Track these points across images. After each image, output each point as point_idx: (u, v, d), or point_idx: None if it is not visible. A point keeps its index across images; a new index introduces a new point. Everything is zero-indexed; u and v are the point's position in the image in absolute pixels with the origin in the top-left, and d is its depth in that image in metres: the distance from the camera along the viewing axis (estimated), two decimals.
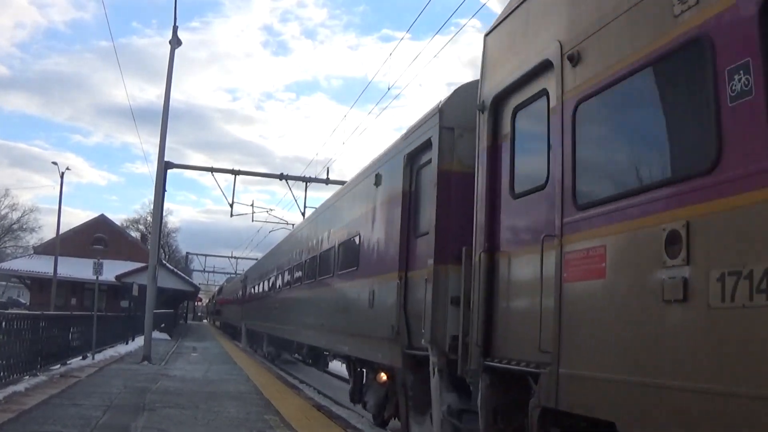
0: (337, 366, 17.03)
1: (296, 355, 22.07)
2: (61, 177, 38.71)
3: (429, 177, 7.36)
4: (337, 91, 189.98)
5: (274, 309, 21.18)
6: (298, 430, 8.79)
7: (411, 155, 8.13)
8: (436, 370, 6.66)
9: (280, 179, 24.99)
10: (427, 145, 7.48)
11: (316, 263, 14.32)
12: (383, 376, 9.02)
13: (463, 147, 6.81)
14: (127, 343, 25.76)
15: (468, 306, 5.98)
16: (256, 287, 28.14)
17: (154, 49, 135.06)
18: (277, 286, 21.52)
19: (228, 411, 10.10)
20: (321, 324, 12.91)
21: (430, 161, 7.37)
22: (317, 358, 17.91)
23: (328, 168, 26.22)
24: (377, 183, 9.39)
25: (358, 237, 10.39)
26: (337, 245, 12.15)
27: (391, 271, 8.31)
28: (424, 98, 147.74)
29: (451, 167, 6.89)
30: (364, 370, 10.44)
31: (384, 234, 8.99)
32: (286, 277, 19.38)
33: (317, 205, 20.17)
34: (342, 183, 19.92)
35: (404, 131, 8.74)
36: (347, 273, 11.03)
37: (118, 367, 17.33)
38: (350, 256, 11.02)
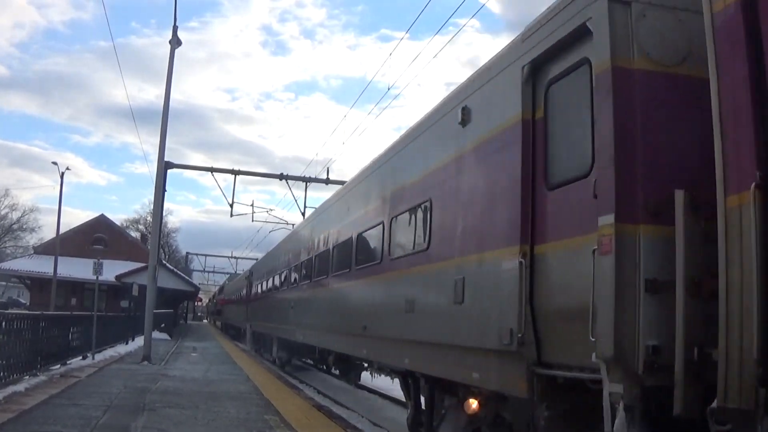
0: (367, 376, 13.84)
1: (308, 360, 19.90)
2: (61, 177, 37.61)
3: (579, 89, 4.76)
4: (337, 91, 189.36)
5: (290, 308, 17.23)
6: (298, 430, 8.55)
7: (537, 63, 5.31)
8: (621, 405, 3.95)
9: (280, 179, 24.13)
10: (573, 38, 4.82)
11: (352, 249, 10.70)
12: (472, 404, 6.24)
13: (647, 33, 4.35)
14: (127, 343, 24.90)
15: (696, 292, 3.75)
16: (266, 284, 23.97)
17: (153, 49, 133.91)
18: (293, 281, 17.35)
19: (228, 411, 9.85)
20: (362, 327, 9.50)
21: (578, 64, 4.81)
22: (347, 370, 14.15)
23: (328, 168, 25.81)
24: (465, 120, 6.46)
25: (427, 205, 7.37)
26: (387, 221, 8.82)
27: (503, 245, 5.48)
28: (423, 98, 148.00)
29: (631, 63, 4.31)
30: (435, 393, 7.45)
31: (481, 192, 6.09)
32: (307, 269, 15.26)
33: (317, 206, 18.40)
34: (342, 183, 18.46)
35: (523, 30, 5.70)
36: (409, 258, 7.91)
37: (118, 367, 16.73)
38: (413, 233, 7.97)
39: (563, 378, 4.71)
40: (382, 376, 10.92)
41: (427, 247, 7.29)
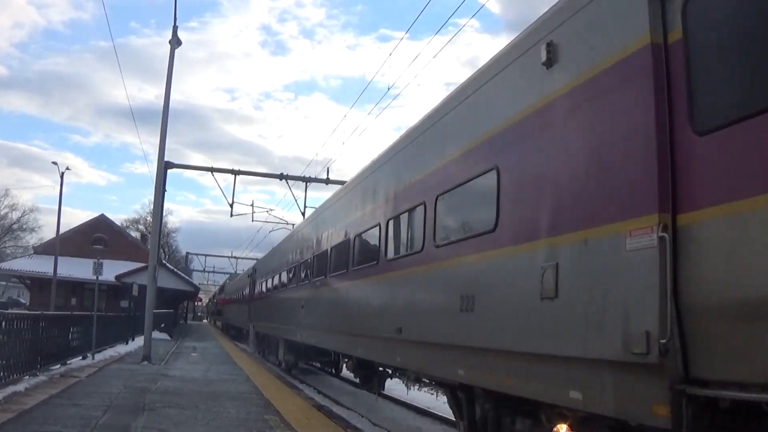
0: (391, 384, 12.42)
1: (317, 363, 19.04)
2: (61, 177, 37.39)
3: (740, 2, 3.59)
4: (336, 91, 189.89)
5: (300, 308, 15.30)
6: (298, 430, 8.50)
7: None
8: None
9: (280, 179, 24.06)
10: None
11: (379, 239, 9.05)
12: (560, 430, 4.96)
13: None
14: (127, 343, 24.83)
15: None
16: (272, 281, 21.96)
17: (153, 49, 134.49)
18: (304, 277, 15.34)
19: (228, 411, 9.81)
20: (397, 329, 7.86)
21: None
22: (369, 377, 12.03)
23: (328, 168, 26.21)
24: (552, 59, 5.00)
25: (492, 175, 5.78)
26: (430, 201, 7.18)
27: (628, 216, 3.98)
28: (423, 98, 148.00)
29: None
30: (502, 413, 5.97)
31: (586, 148, 4.54)
32: (321, 264, 13.25)
33: (317, 205, 17.72)
34: (342, 183, 18.24)
35: None
36: (465, 243, 6.29)
37: (118, 367, 16.67)
38: (470, 212, 6.50)
39: (728, 398, 3.38)
40: (415, 387, 9.17)
41: (494, 228, 5.69)
